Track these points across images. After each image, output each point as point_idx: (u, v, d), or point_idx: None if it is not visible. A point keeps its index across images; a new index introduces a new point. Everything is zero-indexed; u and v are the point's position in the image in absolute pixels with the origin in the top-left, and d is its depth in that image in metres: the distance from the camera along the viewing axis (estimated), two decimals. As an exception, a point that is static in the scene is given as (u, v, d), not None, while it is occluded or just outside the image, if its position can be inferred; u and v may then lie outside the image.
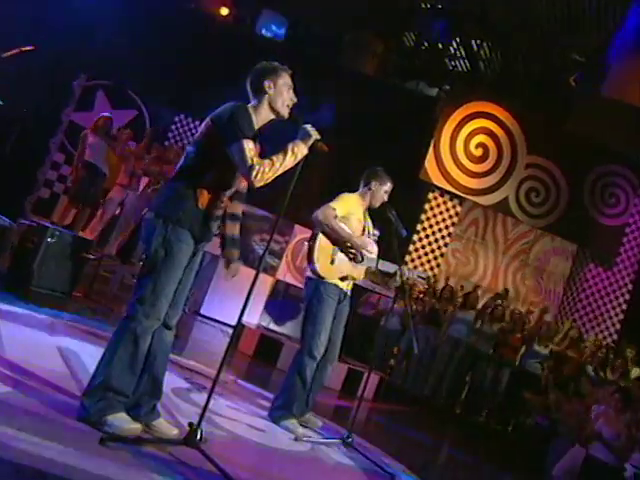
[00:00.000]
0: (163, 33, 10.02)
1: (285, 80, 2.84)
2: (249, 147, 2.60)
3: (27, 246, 5.50)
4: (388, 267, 4.14)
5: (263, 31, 12.60)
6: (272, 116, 2.84)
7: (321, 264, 3.89)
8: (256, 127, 2.78)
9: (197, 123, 10.32)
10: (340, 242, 3.91)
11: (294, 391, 3.83)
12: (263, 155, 2.72)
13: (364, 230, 4.09)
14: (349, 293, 4.10)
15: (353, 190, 4.13)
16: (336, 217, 3.88)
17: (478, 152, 10.40)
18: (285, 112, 2.84)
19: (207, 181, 2.68)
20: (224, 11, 12.56)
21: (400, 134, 10.14)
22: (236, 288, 7.65)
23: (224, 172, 2.70)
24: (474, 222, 10.76)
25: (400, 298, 4.37)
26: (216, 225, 2.76)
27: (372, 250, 4.02)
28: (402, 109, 10.33)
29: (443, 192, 10.53)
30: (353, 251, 3.93)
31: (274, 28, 12.75)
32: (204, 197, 2.67)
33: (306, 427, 3.91)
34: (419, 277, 4.43)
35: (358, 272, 4.03)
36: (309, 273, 3.96)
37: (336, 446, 3.79)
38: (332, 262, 3.92)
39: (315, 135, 2.77)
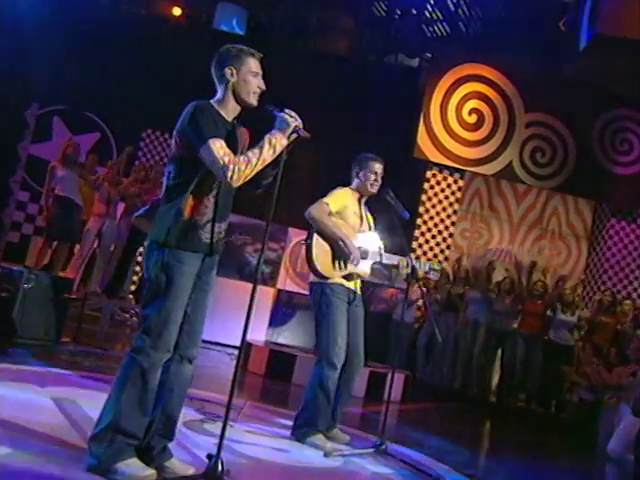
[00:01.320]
0: (115, 45, 10.00)
1: (249, 66, 2.77)
2: (217, 146, 2.58)
3: (2, 296, 5.48)
4: (394, 260, 4.12)
5: (222, 26, 12.57)
6: (239, 107, 2.79)
7: (321, 263, 3.89)
8: (228, 119, 2.76)
9: (167, 136, 10.30)
10: (333, 241, 3.90)
11: (317, 405, 3.82)
12: (254, 141, 2.70)
13: (362, 221, 4.10)
14: (359, 292, 4.09)
15: (347, 184, 4.15)
16: (330, 213, 3.90)
17: (472, 119, 10.39)
18: (253, 101, 2.79)
19: (189, 192, 2.67)
20: (177, 11, 12.53)
21: (386, 113, 10.13)
22: (235, 306, 7.63)
23: (203, 178, 2.68)
24: (477, 194, 10.77)
25: (412, 286, 4.34)
26: (206, 233, 2.73)
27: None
28: (384, 86, 10.32)
29: (441, 168, 10.53)
30: (346, 251, 3.89)
31: (233, 22, 12.72)
32: (187, 207, 2.67)
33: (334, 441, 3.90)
34: (431, 269, 4.32)
35: (363, 268, 4.02)
36: (312, 277, 3.98)
37: (370, 456, 3.79)
38: (333, 260, 3.92)
39: (294, 122, 2.73)
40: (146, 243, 2.74)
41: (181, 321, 2.70)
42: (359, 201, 4.13)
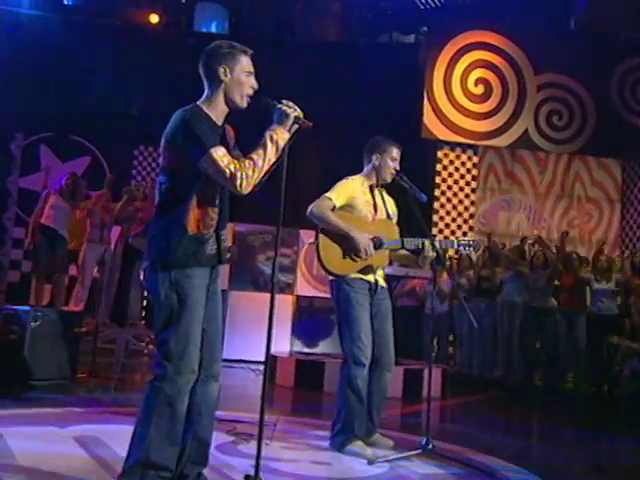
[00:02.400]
0: (93, 62, 10.03)
1: (243, 65, 2.72)
2: (220, 155, 2.54)
3: (10, 338, 5.51)
4: (418, 243, 4.06)
5: (203, 28, 12.60)
6: (227, 109, 2.74)
7: (332, 261, 3.88)
8: (218, 123, 2.71)
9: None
10: (340, 236, 3.87)
11: (350, 409, 3.79)
12: (242, 141, 2.67)
13: (376, 209, 4.05)
14: (383, 284, 4.06)
15: (357, 171, 4.12)
16: (334, 208, 3.88)
17: (479, 90, 10.33)
18: (243, 103, 2.74)
19: (190, 204, 2.64)
20: (154, 19, 12.57)
21: (387, 96, 10.09)
22: (254, 319, 7.66)
23: (204, 189, 2.66)
24: (491, 168, 10.71)
25: (440, 273, 4.29)
26: (211, 245, 2.71)
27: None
28: (381, 68, 10.29)
29: (453, 145, 10.48)
30: (354, 244, 3.85)
31: (214, 22, 12.75)
32: (191, 222, 2.64)
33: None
34: (464, 245, 4.15)
35: (379, 258, 3.96)
36: (330, 276, 3.97)
37: (417, 458, 3.76)
38: (344, 256, 3.90)
39: (293, 112, 2.68)
40: (145, 264, 2.69)
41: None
42: (371, 188, 4.08)
